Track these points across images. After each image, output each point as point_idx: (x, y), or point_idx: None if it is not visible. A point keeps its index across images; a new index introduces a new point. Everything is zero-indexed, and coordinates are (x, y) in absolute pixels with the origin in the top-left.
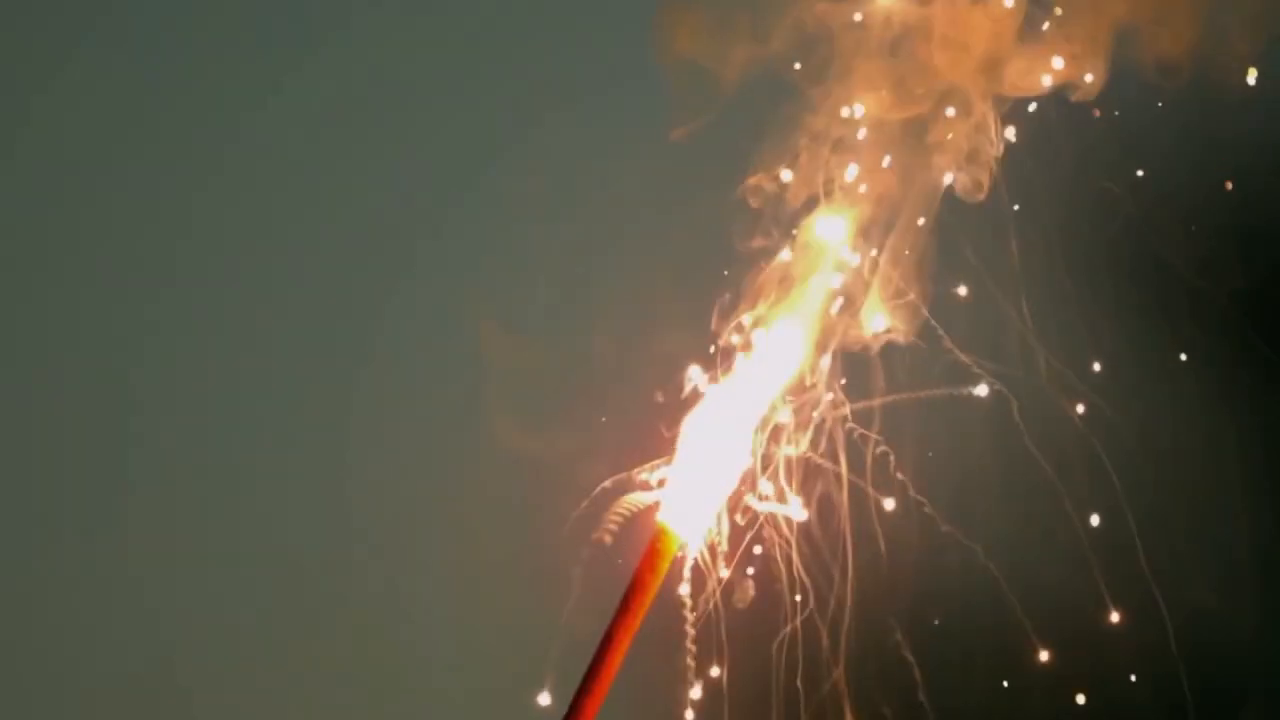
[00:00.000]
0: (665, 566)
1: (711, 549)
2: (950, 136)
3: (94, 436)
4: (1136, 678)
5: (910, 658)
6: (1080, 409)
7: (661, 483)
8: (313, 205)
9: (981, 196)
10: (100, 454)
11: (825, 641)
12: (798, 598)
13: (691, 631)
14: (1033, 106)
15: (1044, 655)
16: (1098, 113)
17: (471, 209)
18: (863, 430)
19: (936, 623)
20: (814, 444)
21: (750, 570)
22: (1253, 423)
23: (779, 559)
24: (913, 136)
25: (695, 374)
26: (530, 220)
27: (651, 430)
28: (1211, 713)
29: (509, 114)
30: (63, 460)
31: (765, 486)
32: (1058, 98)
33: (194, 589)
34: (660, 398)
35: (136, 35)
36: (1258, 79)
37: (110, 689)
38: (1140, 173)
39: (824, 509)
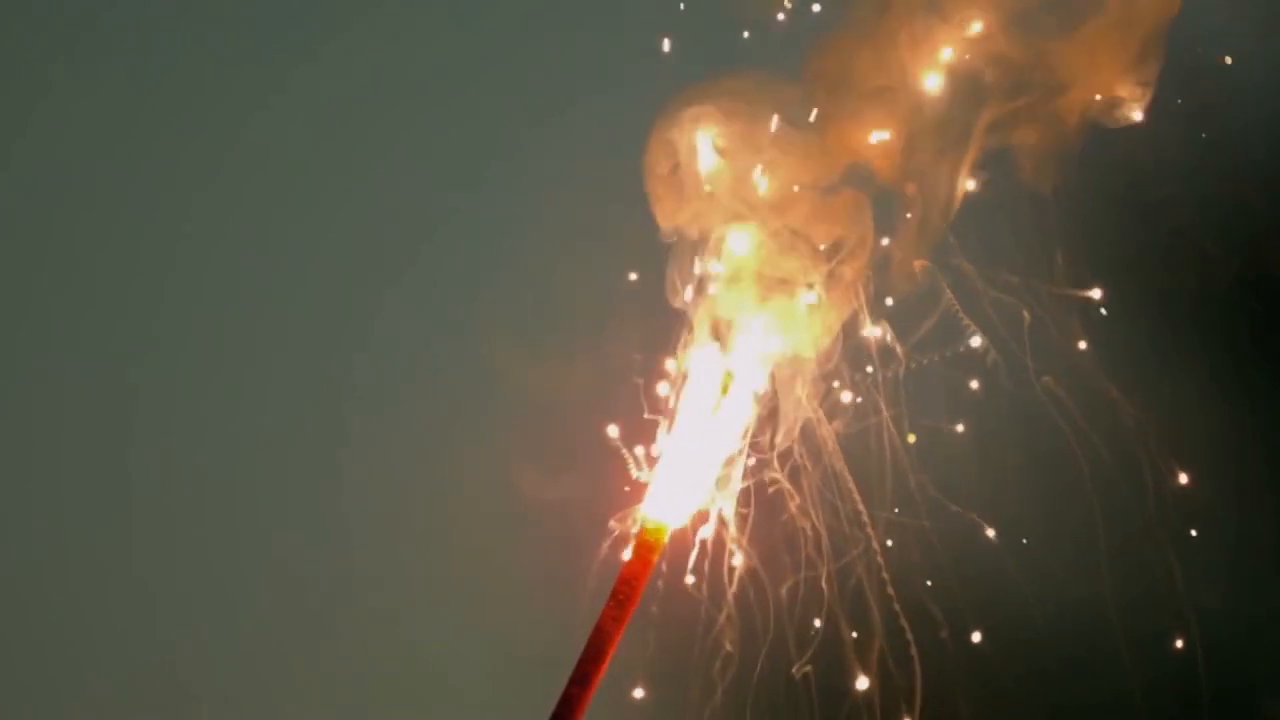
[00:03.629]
0: (654, 558)
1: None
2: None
3: (95, 440)
4: (1148, 669)
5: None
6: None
7: (649, 478)
8: (317, 211)
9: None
10: (102, 457)
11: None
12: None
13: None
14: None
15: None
16: None
17: (477, 220)
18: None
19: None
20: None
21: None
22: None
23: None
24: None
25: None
26: (534, 233)
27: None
28: (1224, 705)
29: (513, 117)
30: (65, 463)
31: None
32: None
33: (196, 591)
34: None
35: (137, 36)
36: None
37: (112, 689)
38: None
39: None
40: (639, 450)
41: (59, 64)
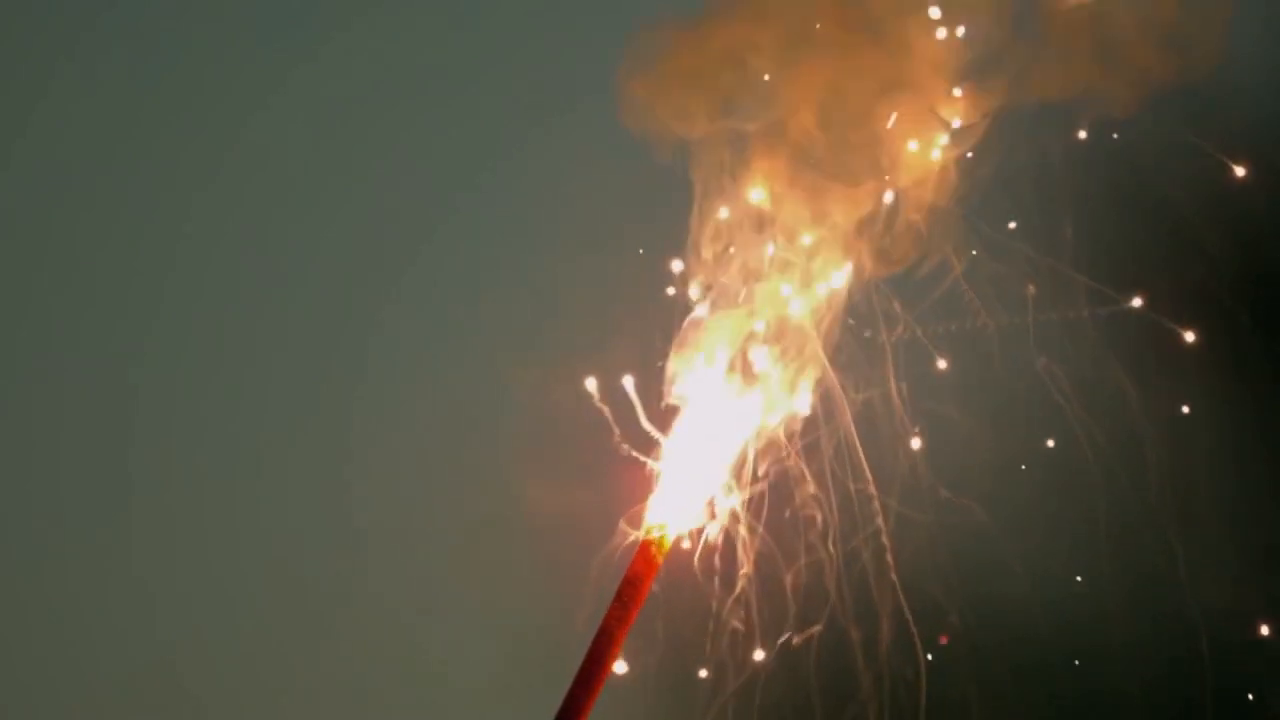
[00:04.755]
0: (659, 559)
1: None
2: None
3: (95, 440)
4: (1149, 666)
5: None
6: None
7: (656, 478)
8: (317, 211)
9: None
10: (102, 457)
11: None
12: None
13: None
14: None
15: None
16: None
17: (477, 220)
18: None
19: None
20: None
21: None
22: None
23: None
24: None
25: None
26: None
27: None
28: (1226, 703)
29: (513, 117)
30: (65, 463)
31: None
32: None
33: (196, 591)
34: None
35: (137, 36)
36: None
37: (112, 689)
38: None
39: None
40: (645, 451)
41: (59, 64)
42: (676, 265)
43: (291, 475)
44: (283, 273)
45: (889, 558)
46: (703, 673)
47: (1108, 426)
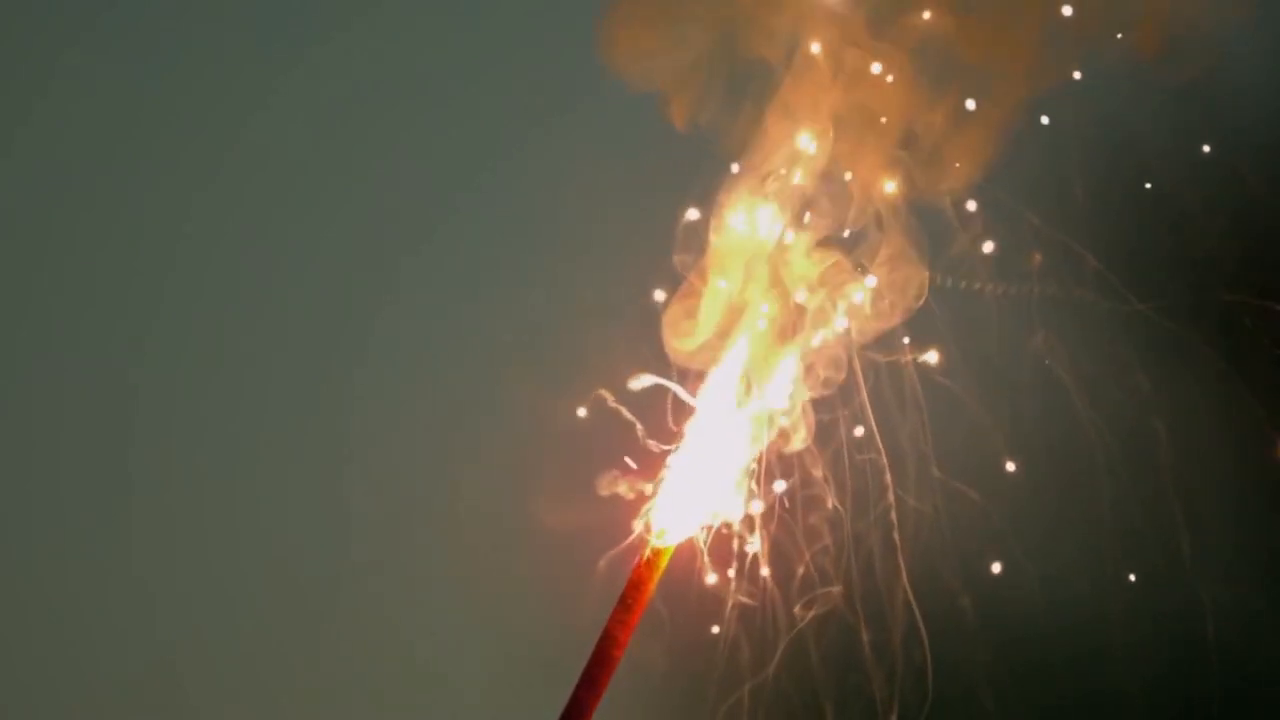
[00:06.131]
0: (664, 562)
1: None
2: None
3: (95, 440)
4: (1157, 666)
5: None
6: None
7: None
8: (317, 211)
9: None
10: (102, 457)
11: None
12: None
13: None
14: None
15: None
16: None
17: (477, 220)
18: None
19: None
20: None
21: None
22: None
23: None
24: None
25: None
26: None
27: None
28: (1230, 702)
29: (513, 117)
30: (65, 463)
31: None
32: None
33: (196, 591)
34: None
35: (137, 36)
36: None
37: (112, 689)
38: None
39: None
40: (650, 452)
41: (59, 63)
42: (692, 214)
43: (291, 475)
44: (282, 273)
45: (898, 542)
46: (709, 669)
47: (1112, 421)
